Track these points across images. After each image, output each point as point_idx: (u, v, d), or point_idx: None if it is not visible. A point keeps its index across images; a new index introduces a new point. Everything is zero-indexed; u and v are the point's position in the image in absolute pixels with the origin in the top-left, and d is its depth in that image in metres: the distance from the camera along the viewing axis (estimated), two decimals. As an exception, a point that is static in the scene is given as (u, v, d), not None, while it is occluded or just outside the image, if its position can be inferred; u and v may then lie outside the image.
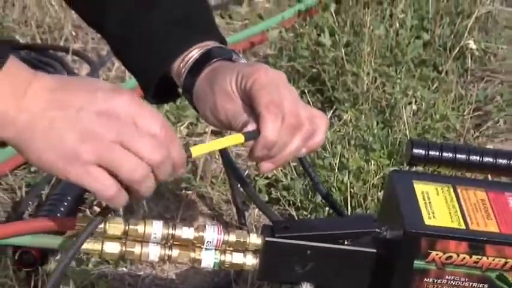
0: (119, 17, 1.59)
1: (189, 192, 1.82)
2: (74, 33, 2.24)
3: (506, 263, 1.41)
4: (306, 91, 2.10)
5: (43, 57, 2.16)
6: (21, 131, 1.26)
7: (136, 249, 1.40)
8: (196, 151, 1.33)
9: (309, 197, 1.81)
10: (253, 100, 1.37)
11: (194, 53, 1.51)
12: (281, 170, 1.85)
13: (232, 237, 1.43)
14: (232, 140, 1.37)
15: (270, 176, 1.85)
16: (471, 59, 2.19)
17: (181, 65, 1.51)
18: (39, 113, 1.25)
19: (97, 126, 1.24)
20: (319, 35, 2.21)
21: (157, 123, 1.25)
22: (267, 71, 1.41)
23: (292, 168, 1.82)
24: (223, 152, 1.71)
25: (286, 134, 1.37)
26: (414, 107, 1.99)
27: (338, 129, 1.95)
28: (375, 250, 1.44)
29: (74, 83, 1.32)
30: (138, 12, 1.58)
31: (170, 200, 1.79)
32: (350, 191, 1.79)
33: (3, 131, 1.25)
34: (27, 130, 1.26)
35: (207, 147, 1.41)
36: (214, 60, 1.50)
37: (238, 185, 1.75)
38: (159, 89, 1.56)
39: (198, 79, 1.50)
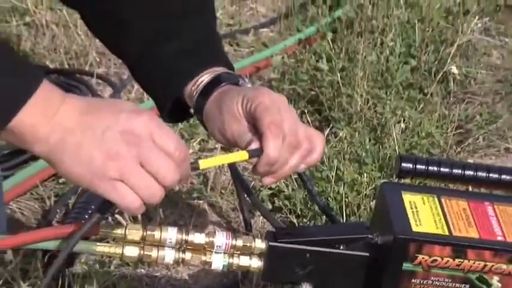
0: (138, 46, 1.59)
1: (201, 201, 1.82)
2: (98, 59, 2.23)
3: (485, 265, 1.42)
4: (306, 111, 2.10)
5: (70, 81, 2.17)
6: (52, 148, 1.27)
7: (154, 252, 1.41)
8: (204, 164, 1.37)
9: (308, 206, 1.81)
10: (257, 121, 1.37)
11: (205, 77, 1.51)
12: (283, 182, 1.85)
13: (239, 242, 1.44)
14: (238, 157, 1.39)
15: (273, 187, 1.85)
16: (453, 83, 2.19)
17: (192, 88, 1.51)
18: (69, 132, 1.27)
19: (121, 146, 1.27)
20: (317, 61, 2.21)
21: (173, 142, 1.28)
22: (270, 95, 1.42)
23: (293, 180, 1.82)
24: (232, 166, 1.72)
25: (286, 151, 1.38)
26: (402, 125, 1.99)
27: (334, 145, 1.95)
28: (367, 254, 1.45)
29: (100, 105, 1.34)
30: (155, 42, 1.58)
31: (184, 208, 1.79)
32: (345, 201, 1.79)
33: (36, 146, 1.27)
34: (58, 147, 1.27)
35: (214, 161, 1.43)
36: (223, 84, 1.50)
37: (245, 195, 1.75)
38: (173, 110, 1.56)
39: (208, 101, 1.50)
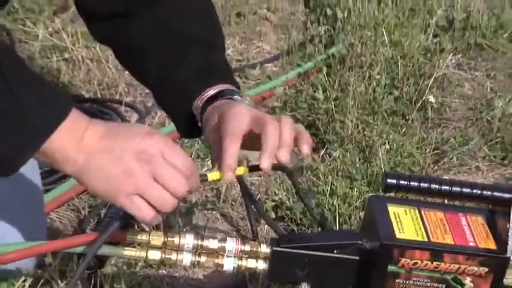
0: (157, 72, 1.61)
1: (214, 212, 1.82)
2: (126, 90, 2.23)
3: (459, 267, 1.42)
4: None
5: (103, 109, 2.17)
6: (80, 168, 1.30)
7: (173, 256, 1.42)
8: (212, 176, 1.38)
9: (307, 215, 1.81)
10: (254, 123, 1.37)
11: (210, 92, 1.52)
12: (285, 195, 1.85)
13: (247, 247, 1.44)
14: (240, 170, 1.39)
15: (276, 199, 1.86)
16: (431, 110, 2.18)
17: (198, 102, 1.51)
18: (92, 154, 1.31)
19: (135, 164, 1.31)
20: (314, 91, 2.21)
21: (180, 158, 1.32)
22: (234, 108, 1.41)
23: (293, 193, 1.81)
24: (241, 182, 1.71)
25: (274, 132, 1.35)
26: (387, 146, 1.98)
27: (329, 164, 1.95)
28: (357, 257, 1.44)
29: (117, 129, 1.37)
30: (168, 68, 1.58)
31: (199, 218, 1.78)
32: (338, 212, 1.78)
33: (66, 166, 1.32)
34: (84, 168, 1.32)
35: (219, 174, 1.42)
36: (222, 98, 1.50)
37: (252, 207, 1.75)
38: (188, 127, 1.56)
39: (206, 111, 1.49)
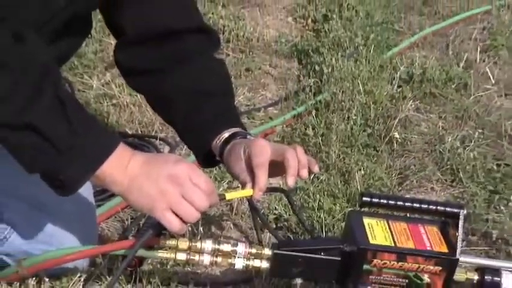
0: (181, 116, 1.61)
1: (228, 222, 1.81)
2: (160, 128, 2.23)
3: (419, 267, 1.42)
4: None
5: (142, 142, 2.17)
6: (125, 189, 1.35)
7: (196, 257, 1.44)
8: (229, 196, 1.44)
9: (300, 226, 1.79)
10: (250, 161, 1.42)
11: (225, 134, 1.52)
12: (283, 209, 1.84)
13: (253, 250, 1.45)
14: (248, 192, 1.43)
15: (276, 213, 1.84)
16: (396, 143, 2.18)
17: (217, 142, 1.52)
18: (135, 178, 1.34)
19: (168, 185, 1.33)
20: (305, 129, 2.21)
21: (203, 180, 1.34)
22: (260, 141, 1.47)
23: (290, 209, 1.80)
24: (249, 200, 1.71)
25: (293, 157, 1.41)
26: (362, 172, 1.98)
27: (317, 185, 1.94)
28: (339, 258, 1.44)
29: (154, 159, 1.40)
30: (190, 115, 1.59)
31: (216, 227, 1.77)
32: (324, 223, 1.77)
33: (113, 187, 1.36)
34: (128, 188, 1.35)
35: (235, 194, 1.49)
36: (237, 138, 1.51)
37: (258, 218, 1.74)
38: (206, 159, 1.58)
39: (225, 149, 1.51)
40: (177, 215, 1.32)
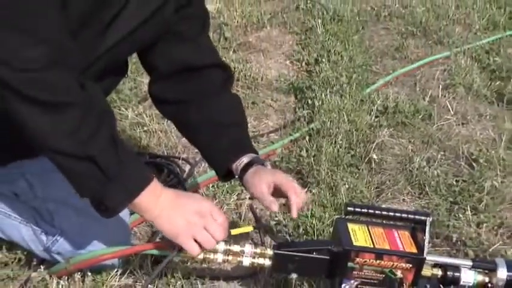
0: (203, 141, 1.65)
1: (237, 227, 1.81)
2: (182, 149, 2.23)
3: (393, 264, 1.42)
4: (296, 179, 2.09)
5: (168, 162, 2.16)
6: (155, 216, 1.37)
7: (211, 256, 1.45)
8: (233, 232, 1.45)
9: (296, 230, 1.79)
10: (281, 186, 1.49)
11: (244, 159, 1.56)
12: (282, 217, 1.84)
13: (258, 250, 1.46)
14: (249, 228, 1.53)
15: (276, 220, 1.85)
16: (374, 163, 2.19)
17: (237, 165, 1.56)
18: (165, 209, 1.36)
19: (194, 218, 1.36)
20: (300, 151, 2.21)
21: (221, 217, 1.38)
22: (280, 173, 1.54)
23: (288, 216, 1.79)
24: (253, 209, 1.71)
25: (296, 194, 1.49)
26: (347, 186, 1.97)
27: (309, 197, 1.94)
28: (328, 257, 1.44)
29: (183, 195, 1.43)
30: (212, 141, 1.63)
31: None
32: (316, 228, 1.76)
33: (145, 215, 1.38)
34: (158, 217, 1.37)
35: (237, 231, 1.47)
36: (255, 165, 1.54)
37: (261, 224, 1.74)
38: (224, 176, 1.63)
39: (246, 175, 1.54)
40: (196, 241, 1.35)
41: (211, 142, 1.57)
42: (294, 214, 1.48)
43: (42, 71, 1.19)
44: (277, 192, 1.50)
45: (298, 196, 1.49)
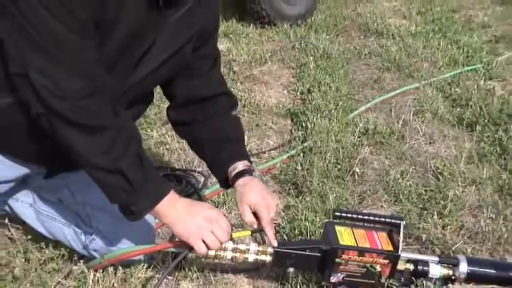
0: (208, 154, 1.61)
1: (241, 229, 1.80)
2: (198, 164, 2.22)
3: (373, 260, 1.42)
4: (290, 189, 2.07)
5: (186, 174, 2.15)
6: (171, 221, 1.37)
7: (222, 253, 1.46)
8: (235, 235, 1.43)
9: (292, 231, 1.78)
10: (258, 213, 1.45)
11: (239, 166, 1.51)
12: (281, 220, 1.83)
13: (260, 248, 1.47)
14: (246, 233, 1.49)
15: (275, 222, 1.82)
16: (357, 176, 2.18)
17: (230, 170, 1.51)
18: (180, 215, 1.36)
19: (204, 223, 1.36)
20: (296, 166, 2.20)
21: (225, 222, 1.38)
22: (260, 197, 1.45)
23: (285, 220, 1.78)
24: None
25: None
26: (334, 195, 1.97)
27: (304, 204, 1.93)
28: (319, 254, 1.43)
29: (195, 203, 1.42)
30: (215, 153, 1.58)
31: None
32: (309, 230, 1.75)
33: (164, 219, 1.37)
34: (174, 221, 1.37)
35: (238, 234, 1.47)
36: (246, 175, 1.50)
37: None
38: (225, 183, 1.57)
39: (236, 183, 1.50)
40: (204, 243, 1.35)
41: (213, 154, 1.57)
42: (274, 243, 1.42)
43: (82, 100, 1.21)
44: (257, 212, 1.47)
45: (267, 224, 1.43)
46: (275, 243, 1.41)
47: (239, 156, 1.53)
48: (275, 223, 1.52)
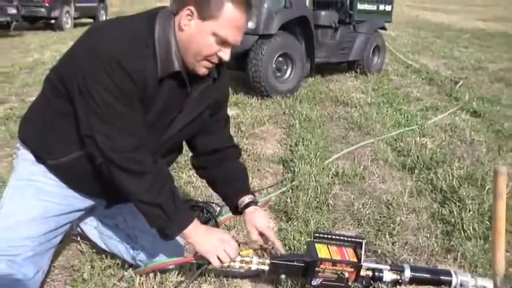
0: (222, 190, 1.58)
1: (245, 246, 1.77)
2: (216, 197, 2.21)
3: (343, 268, 1.42)
4: (283, 216, 2.05)
5: (206, 205, 2.10)
6: (193, 241, 1.35)
7: (232, 264, 1.45)
8: (242, 253, 1.40)
9: (284, 248, 1.75)
10: (264, 234, 1.48)
11: (246, 199, 1.50)
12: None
13: (261, 260, 1.44)
14: (249, 251, 1.44)
15: (271, 245, 1.81)
16: (331, 207, 2.15)
17: (240, 203, 1.50)
18: (200, 237, 1.35)
19: (218, 243, 1.35)
20: (286, 199, 2.18)
21: (234, 243, 1.37)
22: (264, 222, 1.49)
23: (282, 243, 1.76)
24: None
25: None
26: (315, 220, 1.94)
27: (292, 227, 1.90)
28: (303, 265, 1.41)
29: (212, 229, 1.40)
30: (226, 190, 1.56)
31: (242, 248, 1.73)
32: (296, 247, 1.73)
33: (188, 239, 1.37)
34: (196, 241, 1.36)
35: (244, 252, 1.42)
36: (252, 206, 1.49)
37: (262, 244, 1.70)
38: (235, 211, 1.55)
39: (245, 212, 1.49)
40: (219, 258, 1.34)
41: (225, 191, 1.57)
42: (281, 249, 1.49)
43: (131, 153, 1.24)
44: (261, 234, 1.51)
45: (275, 239, 1.50)
46: (283, 251, 1.44)
47: (245, 192, 1.54)
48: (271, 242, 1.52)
